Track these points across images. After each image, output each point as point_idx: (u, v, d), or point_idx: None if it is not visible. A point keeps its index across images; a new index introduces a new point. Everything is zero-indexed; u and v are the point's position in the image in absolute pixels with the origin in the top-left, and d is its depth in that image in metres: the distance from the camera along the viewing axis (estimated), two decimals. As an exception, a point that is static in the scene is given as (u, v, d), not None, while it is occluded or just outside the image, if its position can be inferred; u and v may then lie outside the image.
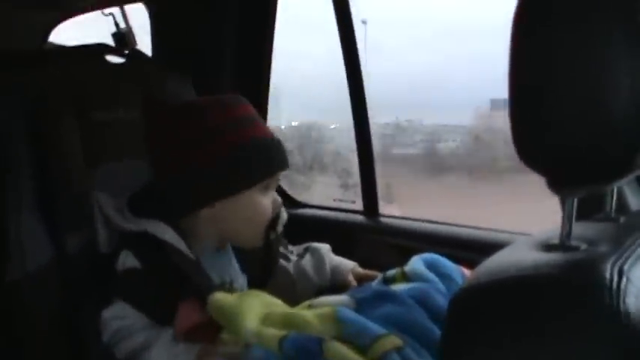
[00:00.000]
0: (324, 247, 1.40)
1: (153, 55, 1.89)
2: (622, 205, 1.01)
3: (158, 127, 1.21)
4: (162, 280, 1.11)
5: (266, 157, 1.19)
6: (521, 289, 0.59)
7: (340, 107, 1.84)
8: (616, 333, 0.53)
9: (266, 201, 1.21)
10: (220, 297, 1.04)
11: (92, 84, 1.37)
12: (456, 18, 2.70)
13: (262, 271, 1.32)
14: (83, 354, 1.14)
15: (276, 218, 1.24)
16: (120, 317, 1.12)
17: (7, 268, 1.15)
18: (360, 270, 1.38)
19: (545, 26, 0.62)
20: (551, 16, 0.62)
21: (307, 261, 1.39)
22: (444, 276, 1.16)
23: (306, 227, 1.89)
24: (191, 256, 1.14)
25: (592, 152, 0.62)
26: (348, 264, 1.38)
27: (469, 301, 0.63)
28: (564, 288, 0.57)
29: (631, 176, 0.70)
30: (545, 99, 0.62)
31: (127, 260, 1.13)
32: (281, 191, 2.02)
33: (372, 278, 1.28)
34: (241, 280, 1.30)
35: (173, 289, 1.09)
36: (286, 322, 1.00)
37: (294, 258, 1.40)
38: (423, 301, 1.06)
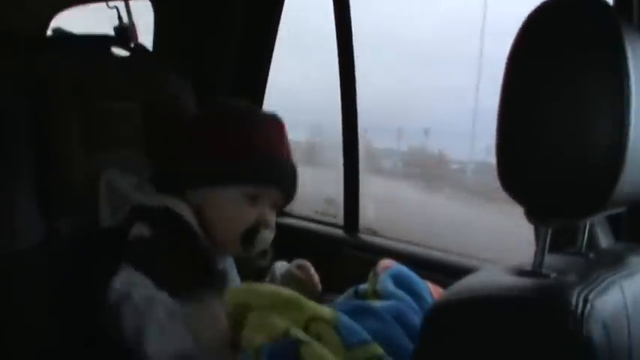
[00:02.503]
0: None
1: (154, 52, 1.91)
2: (593, 243, 1.05)
3: (185, 129, 1.29)
4: (174, 252, 1.14)
5: (264, 168, 1.22)
6: (491, 308, 0.62)
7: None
8: (577, 356, 0.57)
9: (248, 210, 1.22)
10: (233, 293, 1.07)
11: (95, 74, 1.38)
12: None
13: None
14: (72, 331, 1.15)
15: (254, 231, 1.23)
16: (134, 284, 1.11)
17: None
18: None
19: (534, 64, 0.66)
20: (539, 56, 0.66)
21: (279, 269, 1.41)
22: (414, 293, 1.19)
23: (285, 236, 1.91)
24: (203, 237, 1.19)
25: (570, 187, 0.66)
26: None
27: (441, 317, 0.66)
28: (532, 310, 0.61)
29: (605, 213, 0.75)
30: (529, 133, 0.66)
31: (142, 231, 1.16)
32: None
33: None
34: (236, 279, 1.34)
35: (184, 262, 1.12)
36: (289, 306, 1.03)
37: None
38: (399, 318, 1.09)
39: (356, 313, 1.07)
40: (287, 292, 1.08)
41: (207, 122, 1.27)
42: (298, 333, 0.99)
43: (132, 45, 1.57)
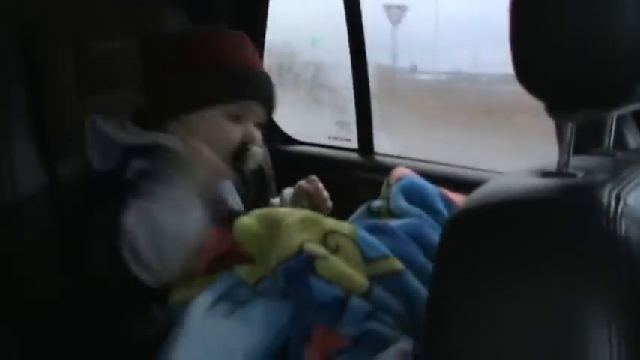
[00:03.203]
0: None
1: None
2: (620, 142, 1.00)
3: (157, 56, 1.26)
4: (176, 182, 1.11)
5: (238, 82, 1.21)
6: (516, 212, 0.58)
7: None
8: (612, 255, 0.53)
9: (233, 129, 1.21)
10: (246, 222, 1.04)
11: (88, 13, 1.35)
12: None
13: (255, 201, 1.32)
14: (74, 276, 1.14)
15: (243, 150, 1.22)
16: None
17: (-1, 193, 1.14)
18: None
19: None
20: None
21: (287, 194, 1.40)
22: (427, 207, 1.17)
23: (300, 164, 1.89)
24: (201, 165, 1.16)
25: (593, 77, 0.61)
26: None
27: (463, 225, 0.62)
28: (561, 211, 0.56)
29: (630, 108, 0.70)
30: (546, 21, 0.61)
31: (141, 166, 1.13)
32: (274, 127, 2.01)
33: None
34: (240, 206, 1.31)
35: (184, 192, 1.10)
36: (306, 220, 1.02)
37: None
38: (417, 237, 1.07)
39: (371, 231, 1.05)
40: (301, 211, 1.06)
41: (177, 44, 1.26)
42: (313, 247, 0.97)
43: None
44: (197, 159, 1.16)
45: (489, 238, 0.58)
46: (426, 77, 3.87)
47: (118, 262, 1.05)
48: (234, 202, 1.29)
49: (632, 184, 0.62)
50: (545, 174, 0.65)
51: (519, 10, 0.63)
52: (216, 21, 1.85)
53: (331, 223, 1.03)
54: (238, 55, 1.24)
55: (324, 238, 1.00)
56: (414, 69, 3.79)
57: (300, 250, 0.96)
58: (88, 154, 1.18)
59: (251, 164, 1.23)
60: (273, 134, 1.97)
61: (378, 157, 1.81)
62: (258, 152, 1.24)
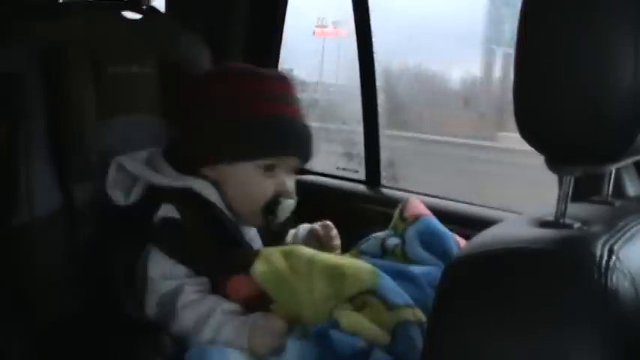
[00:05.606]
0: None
1: (166, 14, 1.89)
2: (619, 190, 1.02)
3: (188, 89, 1.26)
4: (203, 234, 1.13)
5: (275, 135, 1.18)
6: (512, 261, 0.61)
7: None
8: (601, 309, 0.55)
9: (266, 181, 1.19)
10: (263, 268, 1.05)
11: (108, 37, 1.38)
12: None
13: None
14: (89, 301, 1.16)
15: (275, 202, 1.19)
16: (168, 277, 1.10)
17: (16, 213, 1.16)
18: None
19: (550, 6, 0.63)
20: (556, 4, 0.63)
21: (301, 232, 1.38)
22: (445, 257, 1.17)
23: (307, 193, 1.90)
24: (231, 217, 1.18)
25: (592, 133, 0.63)
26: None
27: (460, 271, 0.65)
28: (555, 262, 0.59)
29: (629, 160, 0.72)
30: (549, 77, 0.63)
31: (169, 212, 1.13)
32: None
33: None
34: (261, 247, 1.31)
35: (214, 244, 1.12)
36: (331, 275, 1.03)
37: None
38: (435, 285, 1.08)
39: (394, 276, 1.06)
40: (325, 259, 1.07)
41: (212, 79, 1.25)
42: (341, 314, 0.99)
43: (144, 7, 1.55)
44: (231, 210, 1.18)
45: (485, 286, 0.61)
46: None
47: (131, 301, 1.11)
48: (257, 243, 1.29)
49: (626, 236, 0.64)
50: (543, 223, 0.68)
51: (522, 65, 0.66)
52: (231, 46, 1.89)
53: (354, 278, 1.03)
54: (278, 104, 1.20)
55: (352, 299, 1.02)
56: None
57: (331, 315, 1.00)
58: (107, 191, 1.19)
59: (281, 217, 1.21)
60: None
61: (385, 190, 1.83)
62: (290, 204, 1.21)
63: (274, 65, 1.98)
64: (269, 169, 1.19)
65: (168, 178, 1.17)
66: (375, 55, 1.81)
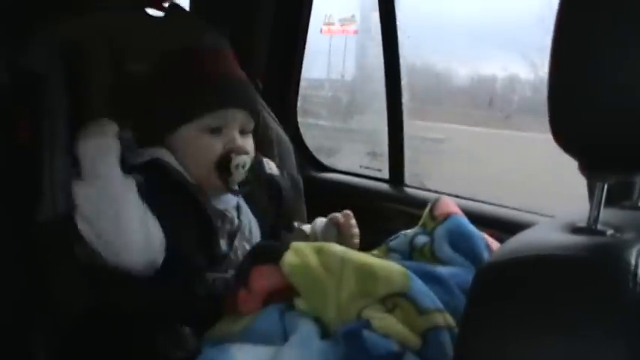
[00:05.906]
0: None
1: (190, 12, 1.88)
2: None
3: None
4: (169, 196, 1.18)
5: (205, 89, 1.23)
6: (545, 268, 0.59)
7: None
8: (636, 319, 0.54)
9: (213, 140, 1.23)
10: (294, 261, 1.04)
11: (130, 35, 1.38)
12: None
13: (274, 222, 1.37)
14: (111, 296, 1.17)
15: (226, 159, 1.22)
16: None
17: (39, 209, 1.17)
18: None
19: (587, 8, 0.61)
20: (594, 3, 0.61)
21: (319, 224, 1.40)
22: (474, 258, 1.15)
23: (331, 191, 1.90)
24: (192, 180, 1.22)
25: (627, 140, 0.62)
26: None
27: (492, 277, 0.64)
28: (588, 270, 0.58)
29: None
30: (585, 84, 0.61)
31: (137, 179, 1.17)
32: (306, 154, 2.03)
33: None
34: (253, 223, 1.33)
35: (178, 207, 1.18)
36: (362, 274, 1.02)
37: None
38: (463, 288, 1.06)
39: (424, 278, 1.04)
40: (356, 257, 1.05)
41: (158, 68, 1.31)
42: (371, 313, 0.98)
43: (166, 5, 1.55)
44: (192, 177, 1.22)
45: (516, 292, 0.60)
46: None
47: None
48: (246, 217, 1.31)
49: None
50: (576, 229, 0.66)
51: (558, 69, 0.64)
52: (256, 45, 1.89)
53: (386, 280, 1.02)
54: (209, 68, 1.26)
55: (383, 300, 1.01)
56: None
57: (360, 315, 0.99)
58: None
59: (237, 173, 1.22)
60: (305, 161, 1.99)
61: (408, 189, 1.81)
62: (243, 160, 1.23)
63: (299, 66, 1.98)
64: (216, 131, 1.23)
65: (138, 157, 1.23)
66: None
